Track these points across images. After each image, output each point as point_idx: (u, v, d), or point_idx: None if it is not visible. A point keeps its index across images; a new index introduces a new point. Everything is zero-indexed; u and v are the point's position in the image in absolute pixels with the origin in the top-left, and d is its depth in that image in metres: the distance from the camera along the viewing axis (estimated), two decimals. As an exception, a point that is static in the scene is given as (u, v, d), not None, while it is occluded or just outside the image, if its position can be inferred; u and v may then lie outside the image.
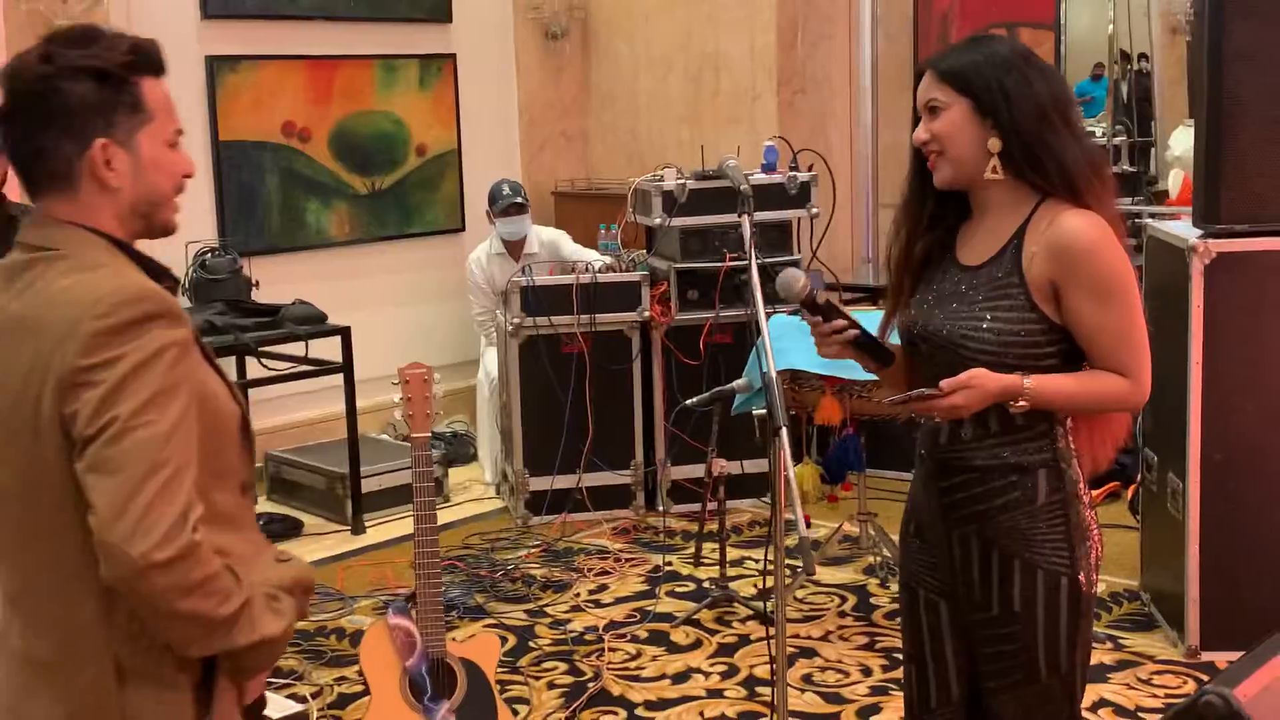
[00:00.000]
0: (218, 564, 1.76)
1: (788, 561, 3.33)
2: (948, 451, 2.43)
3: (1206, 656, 4.08)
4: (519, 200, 6.14)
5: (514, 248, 6.19)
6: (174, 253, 5.78)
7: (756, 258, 5.58)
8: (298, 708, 3.90)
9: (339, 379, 5.67)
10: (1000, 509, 2.38)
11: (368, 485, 5.69)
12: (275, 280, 5.95)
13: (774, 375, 2.84)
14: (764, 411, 2.89)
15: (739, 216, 3.05)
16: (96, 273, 1.79)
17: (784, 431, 2.79)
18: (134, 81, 1.86)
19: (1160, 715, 3.72)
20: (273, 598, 1.86)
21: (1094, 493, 5.55)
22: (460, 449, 6.48)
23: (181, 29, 5.93)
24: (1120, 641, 4.28)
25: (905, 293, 2.50)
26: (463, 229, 6.90)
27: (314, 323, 5.56)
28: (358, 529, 5.61)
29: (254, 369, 5.73)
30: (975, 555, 2.42)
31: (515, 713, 3.79)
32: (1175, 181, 8.15)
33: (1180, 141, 8.31)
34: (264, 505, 6.00)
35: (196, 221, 5.97)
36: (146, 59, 1.91)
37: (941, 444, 2.44)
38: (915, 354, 2.50)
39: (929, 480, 2.49)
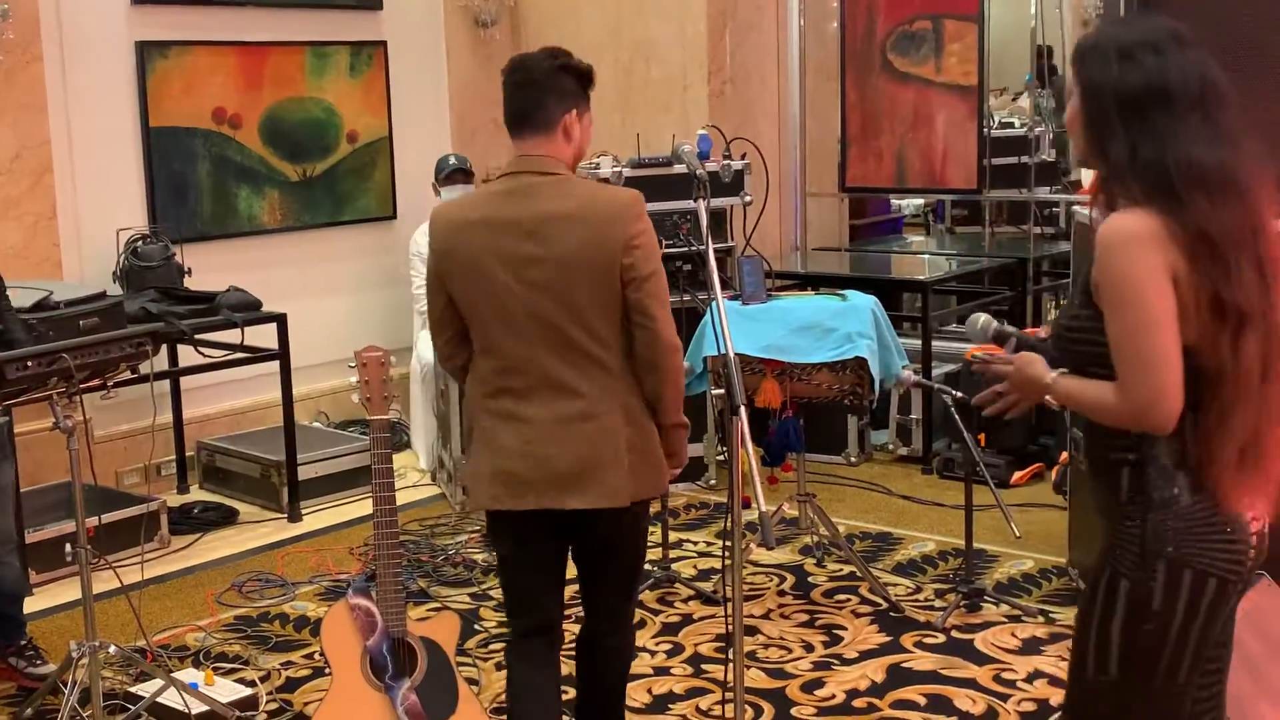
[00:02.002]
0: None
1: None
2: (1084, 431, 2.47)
3: (1135, 628, 4.21)
4: (465, 168, 6.24)
5: None
6: (105, 239, 5.74)
7: (696, 244, 5.68)
8: (247, 691, 3.91)
9: (268, 367, 5.66)
10: (1099, 500, 2.42)
11: (303, 473, 5.68)
12: (207, 268, 5.91)
13: (733, 356, 2.92)
14: (720, 392, 2.95)
15: (694, 201, 3.11)
16: (593, 186, 3.11)
17: (743, 411, 2.86)
18: (591, 82, 3.09)
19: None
20: None
21: (1019, 474, 5.75)
22: (394, 437, 6.47)
23: (111, 14, 5.87)
24: (1051, 615, 4.42)
25: None
26: (394, 217, 6.89)
27: (250, 310, 5.54)
28: (294, 516, 5.60)
29: (186, 356, 5.69)
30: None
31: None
32: (1088, 172, 8.36)
33: (1091, 133, 8.52)
34: (197, 494, 5.97)
35: (127, 208, 5.93)
36: (590, 77, 3.10)
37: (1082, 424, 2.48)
38: None
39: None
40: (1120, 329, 2.22)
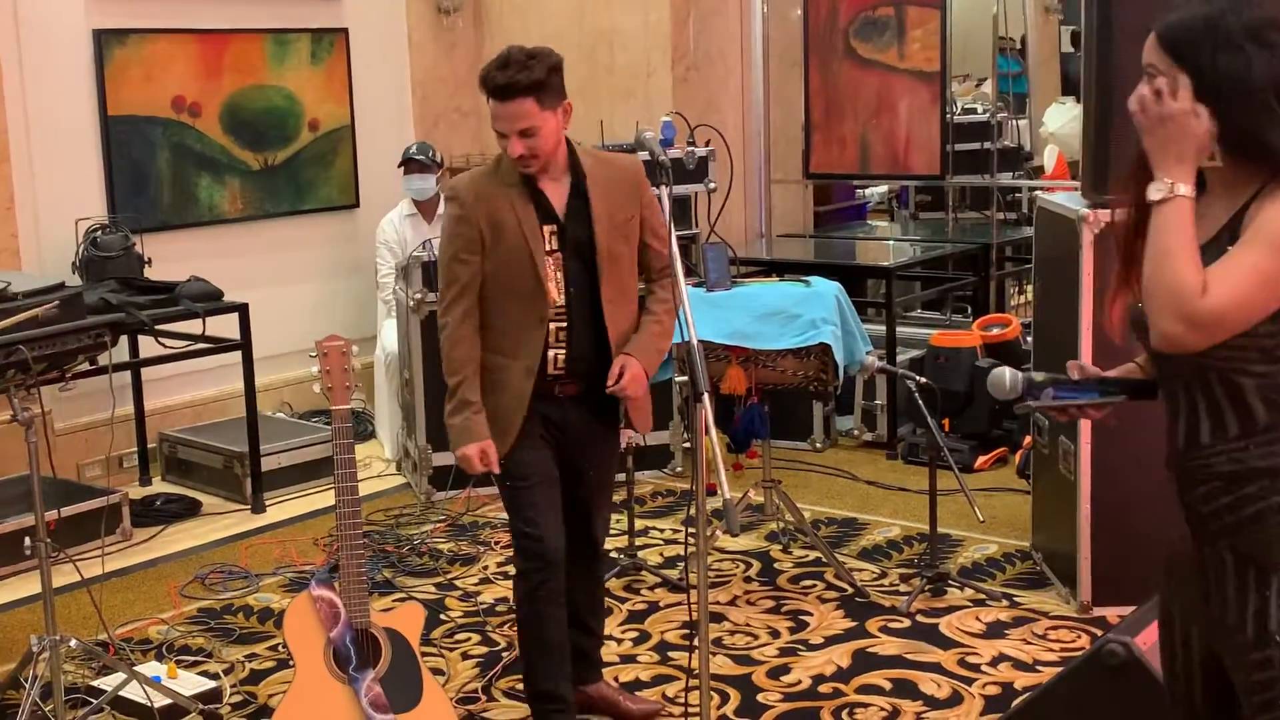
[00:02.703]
0: (458, 347, 3.32)
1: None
2: (1187, 460, 2.15)
3: (1098, 611, 4.24)
4: (418, 157, 6.24)
5: (425, 209, 6.28)
6: (64, 229, 5.69)
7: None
8: (211, 684, 3.89)
9: (230, 357, 5.62)
10: (1252, 519, 2.09)
11: (266, 464, 5.65)
12: (167, 257, 5.86)
13: (696, 343, 2.91)
14: (685, 379, 2.95)
15: (658, 187, 3.10)
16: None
17: (706, 397, 2.86)
18: (486, 97, 3.30)
19: (1059, 668, 3.87)
20: (467, 403, 3.30)
21: (982, 459, 5.77)
22: (358, 427, 6.46)
23: (68, 1, 5.80)
24: (1015, 599, 4.44)
25: (1132, 272, 2.18)
26: (357, 205, 6.85)
27: (211, 300, 5.49)
28: (258, 508, 5.57)
29: (148, 347, 5.64)
30: (1229, 573, 2.12)
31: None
32: (1050, 157, 8.40)
33: (1054, 118, 8.57)
34: (159, 486, 5.93)
35: (86, 198, 5.87)
36: (484, 86, 3.28)
37: (1180, 450, 2.16)
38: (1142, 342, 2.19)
39: (1177, 494, 2.20)
40: (1252, 262, 2.01)
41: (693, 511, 2.93)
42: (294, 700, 3.20)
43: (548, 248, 3.35)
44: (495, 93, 3.24)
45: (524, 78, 3.22)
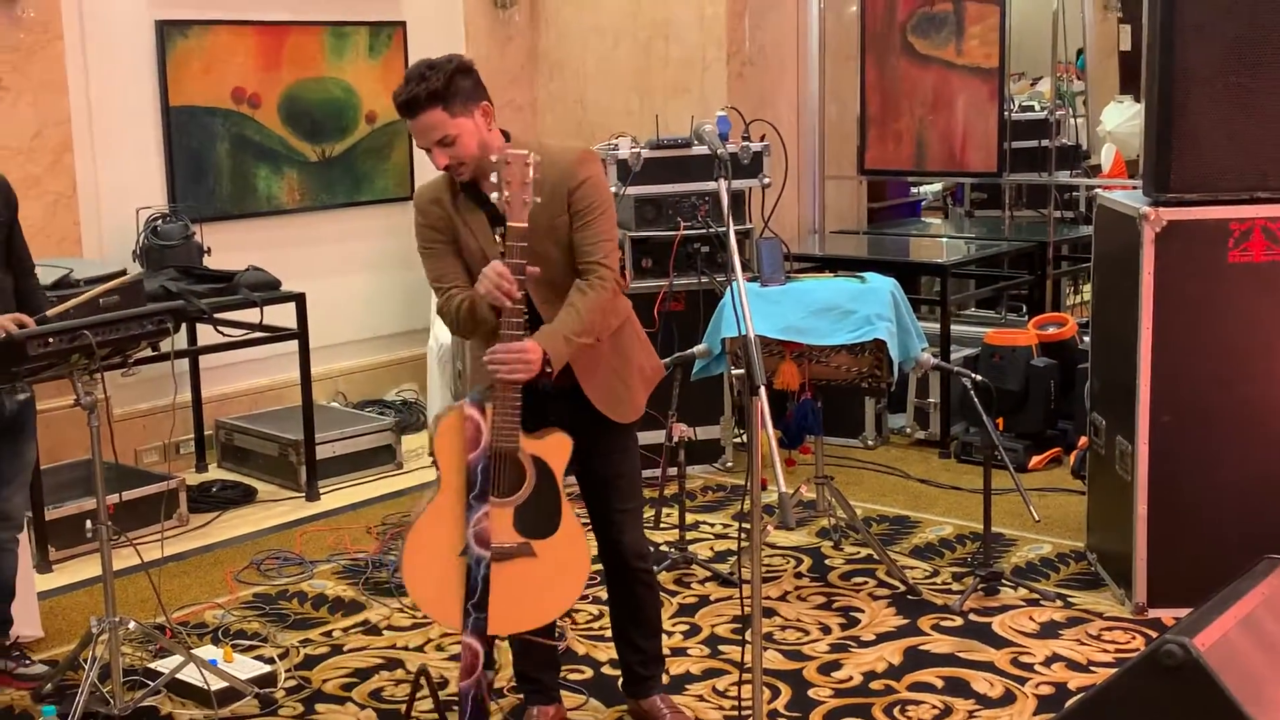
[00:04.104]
0: (450, 300, 3.33)
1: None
2: None
3: (1153, 613, 4.21)
4: None
5: None
6: (124, 217, 5.76)
7: (714, 226, 5.67)
8: (266, 668, 3.93)
9: (287, 346, 5.67)
10: None
11: (321, 452, 5.70)
12: (226, 247, 5.92)
13: (753, 336, 2.91)
14: (740, 373, 2.94)
15: (715, 180, 3.10)
16: None
17: (763, 390, 2.86)
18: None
19: (1113, 669, 3.84)
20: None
21: (1036, 458, 5.73)
22: (411, 417, 6.50)
23: (131, -8, 5.87)
24: (1069, 600, 4.41)
25: None
26: (412, 197, 6.88)
27: (268, 289, 5.55)
28: (312, 495, 5.62)
29: (205, 335, 5.70)
30: None
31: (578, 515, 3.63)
32: (1108, 156, 8.33)
33: (1111, 117, 8.49)
34: (215, 473, 5.99)
35: (147, 187, 5.94)
36: (397, 104, 3.23)
37: None
38: None
39: None
40: None
41: (747, 506, 2.93)
42: (432, 516, 3.22)
43: (501, 250, 3.30)
44: (401, 110, 3.23)
45: (423, 90, 3.18)
